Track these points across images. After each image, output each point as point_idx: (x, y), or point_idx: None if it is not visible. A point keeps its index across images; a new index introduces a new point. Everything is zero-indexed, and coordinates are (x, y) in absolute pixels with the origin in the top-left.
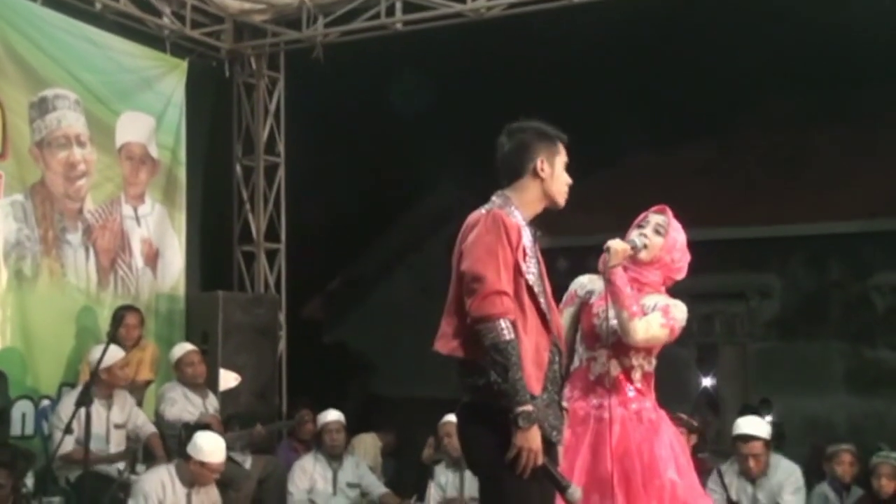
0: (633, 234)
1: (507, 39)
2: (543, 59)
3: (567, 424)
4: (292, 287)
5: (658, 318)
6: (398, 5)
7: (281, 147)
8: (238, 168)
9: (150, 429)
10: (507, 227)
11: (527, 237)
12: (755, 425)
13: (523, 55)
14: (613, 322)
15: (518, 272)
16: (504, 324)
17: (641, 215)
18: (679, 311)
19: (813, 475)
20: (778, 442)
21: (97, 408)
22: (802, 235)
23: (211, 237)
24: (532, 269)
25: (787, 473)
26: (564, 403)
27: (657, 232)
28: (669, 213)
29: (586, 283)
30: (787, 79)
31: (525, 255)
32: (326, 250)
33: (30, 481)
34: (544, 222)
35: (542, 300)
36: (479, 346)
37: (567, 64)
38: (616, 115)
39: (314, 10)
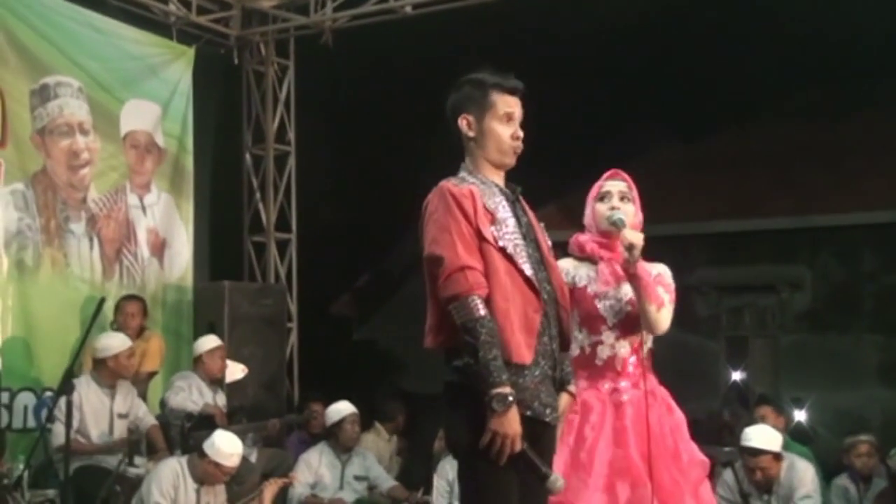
0: (603, 210)
1: (525, 23)
2: (564, 46)
3: (575, 406)
4: (313, 279)
5: (666, 296)
6: None
7: (291, 135)
8: (248, 157)
9: (151, 420)
10: (455, 197)
11: (491, 199)
12: (764, 438)
13: (543, 41)
14: (612, 301)
15: (482, 239)
16: (472, 301)
17: (595, 188)
18: (670, 276)
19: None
20: (803, 439)
21: (100, 397)
22: (833, 226)
23: (220, 227)
24: (506, 231)
25: (800, 476)
26: (571, 388)
27: (624, 199)
28: (624, 175)
29: (570, 269)
30: (815, 67)
31: (493, 218)
32: (349, 241)
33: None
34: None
35: (521, 261)
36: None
37: (588, 52)
38: (641, 108)
39: None
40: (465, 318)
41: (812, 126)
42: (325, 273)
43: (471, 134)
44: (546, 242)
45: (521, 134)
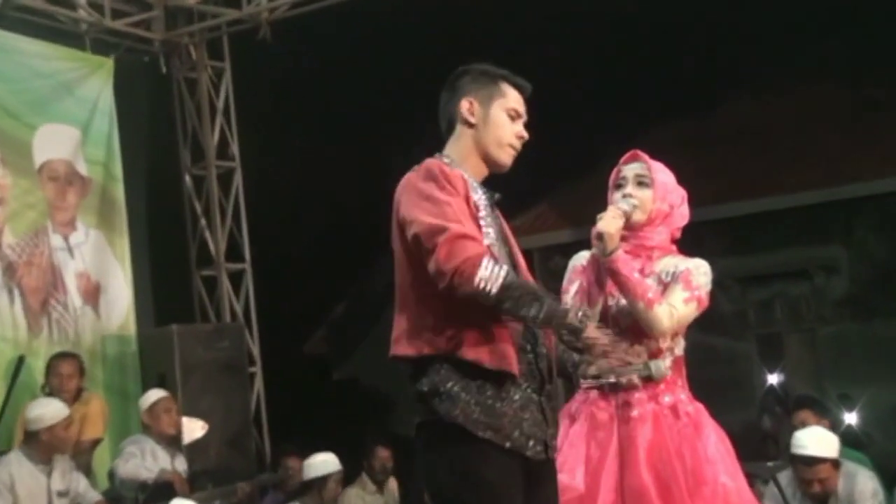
0: (616, 197)
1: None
2: (538, 27)
3: (560, 430)
4: (279, 314)
5: (680, 294)
6: None
7: (235, 149)
8: (187, 178)
9: (94, 496)
10: (446, 175)
11: (477, 193)
12: (820, 443)
13: (512, 21)
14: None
15: (477, 226)
16: (488, 262)
17: (614, 173)
18: (702, 274)
19: None
20: (856, 444)
21: (35, 475)
22: (868, 196)
23: (163, 263)
24: (490, 231)
25: (860, 487)
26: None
27: (641, 184)
28: (644, 156)
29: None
30: (829, 17)
31: (479, 211)
32: (316, 267)
33: None
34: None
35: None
36: (454, 334)
37: (576, 28)
38: (637, 84)
39: None
40: (496, 280)
41: (830, 84)
42: (291, 306)
43: (472, 119)
44: (520, 255)
45: (526, 135)
